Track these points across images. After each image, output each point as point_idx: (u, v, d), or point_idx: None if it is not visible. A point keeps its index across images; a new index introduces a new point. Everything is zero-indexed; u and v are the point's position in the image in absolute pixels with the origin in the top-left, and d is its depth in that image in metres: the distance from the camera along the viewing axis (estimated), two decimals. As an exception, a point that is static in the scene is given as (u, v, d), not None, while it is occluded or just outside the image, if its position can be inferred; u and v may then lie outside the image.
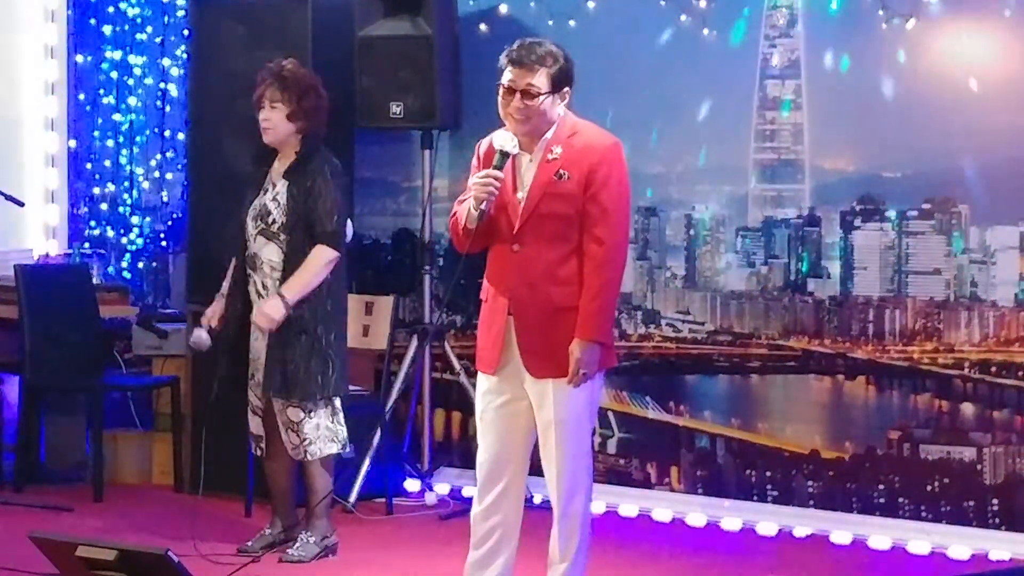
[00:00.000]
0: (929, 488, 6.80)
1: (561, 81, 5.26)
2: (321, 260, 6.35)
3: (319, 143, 6.52)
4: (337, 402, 6.48)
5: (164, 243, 8.91)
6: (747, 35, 7.22)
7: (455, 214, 5.33)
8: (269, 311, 6.31)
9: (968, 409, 6.79)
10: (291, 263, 6.37)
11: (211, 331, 6.56)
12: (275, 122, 6.40)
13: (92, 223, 9.07)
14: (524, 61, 5.24)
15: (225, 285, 6.61)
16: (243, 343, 6.50)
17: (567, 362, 5.24)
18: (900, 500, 6.87)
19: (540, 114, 5.24)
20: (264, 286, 6.43)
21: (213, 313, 6.60)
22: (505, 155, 5.25)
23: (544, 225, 5.26)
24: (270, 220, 6.41)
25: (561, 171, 5.24)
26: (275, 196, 6.43)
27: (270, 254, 6.42)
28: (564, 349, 5.24)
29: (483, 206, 5.24)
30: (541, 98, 5.23)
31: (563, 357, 5.24)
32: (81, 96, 9.05)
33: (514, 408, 5.38)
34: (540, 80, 5.23)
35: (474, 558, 5.43)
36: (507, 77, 5.25)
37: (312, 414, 6.42)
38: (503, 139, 5.27)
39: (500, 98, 5.29)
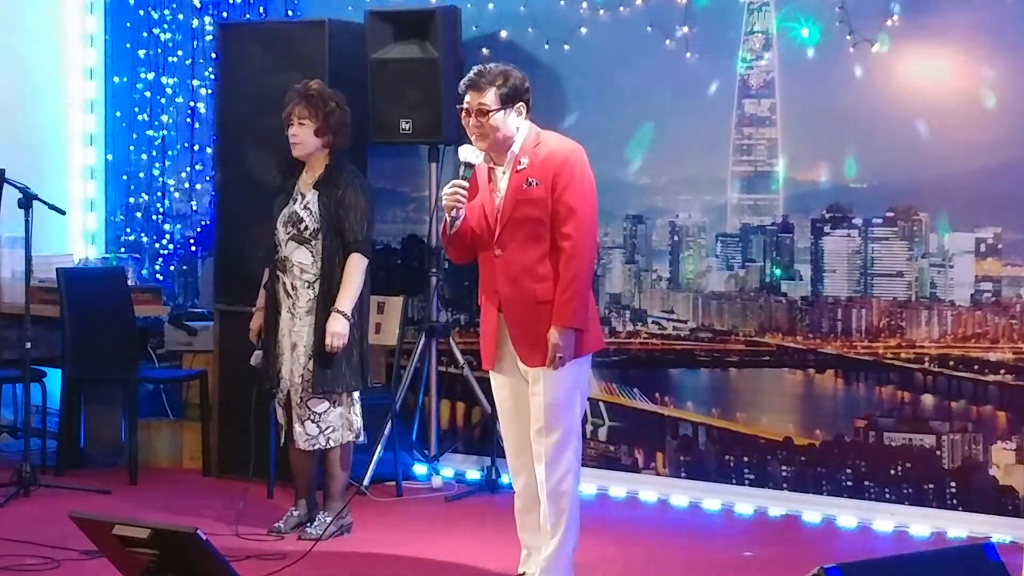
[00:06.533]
0: (892, 472, 6.79)
1: (512, 97, 5.26)
2: (359, 268, 6.30)
3: (345, 157, 6.47)
4: (356, 394, 6.42)
5: (193, 248, 8.90)
6: (726, 58, 7.15)
7: (444, 223, 5.34)
8: (339, 329, 6.21)
9: (928, 400, 6.78)
10: (324, 265, 6.31)
11: (260, 346, 6.51)
12: (303, 137, 6.34)
13: (128, 230, 9.09)
14: (476, 84, 5.27)
15: (260, 299, 6.56)
16: (269, 340, 6.43)
17: None
18: (866, 483, 6.86)
19: (494, 129, 5.24)
20: (293, 287, 6.35)
21: (255, 327, 6.54)
22: (469, 166, 5.27)
23: (520, 229, 5.27)
24: (302, 227, 6.34)
25: (529, 179, 5.24)
26: (306, 205, 6.35)
27: (301, 257, 6.34)
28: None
29: (454, 213, 5.24)
30: (492, 115, 5.23)
31: (548, 345, 5.24)
32: (118, 113, 9.07)
33: (522, 399, 5.37)
34: (490, 99, 5.23)
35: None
36: (465, 100, 5.28)
37: (336, 404, 6.37)
38: (466, 152, 5.28)
39: (462, 120, 5.31)
